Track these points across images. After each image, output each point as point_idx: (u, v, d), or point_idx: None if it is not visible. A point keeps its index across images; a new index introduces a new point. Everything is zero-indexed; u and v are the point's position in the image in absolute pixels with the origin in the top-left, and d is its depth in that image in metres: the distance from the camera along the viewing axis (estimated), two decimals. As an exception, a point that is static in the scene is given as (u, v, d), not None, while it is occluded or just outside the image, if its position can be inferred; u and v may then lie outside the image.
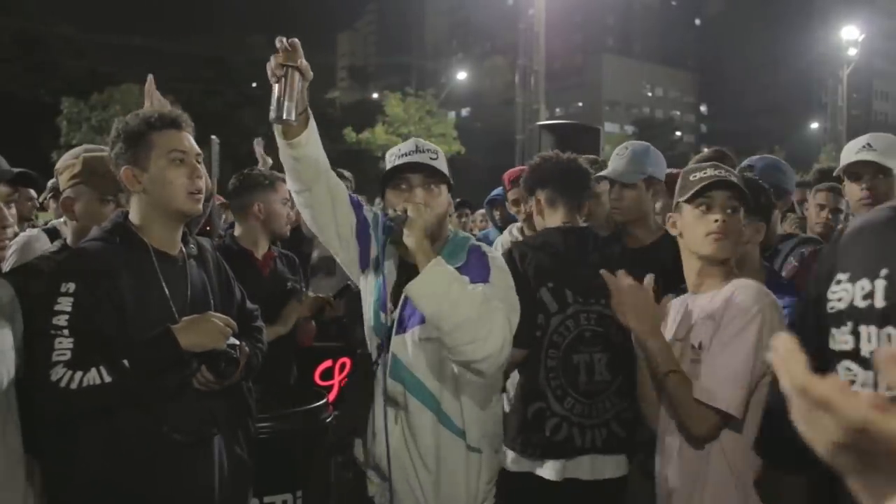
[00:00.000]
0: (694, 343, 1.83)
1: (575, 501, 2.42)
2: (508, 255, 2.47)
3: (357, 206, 2.15)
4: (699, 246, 1.86)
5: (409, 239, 1.90)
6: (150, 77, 2.45)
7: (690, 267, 1.93)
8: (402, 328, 2.09)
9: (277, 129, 1.93)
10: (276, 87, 1.86)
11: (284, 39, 1.83)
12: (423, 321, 1.98)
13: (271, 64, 1.84)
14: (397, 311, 2.10)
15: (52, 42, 36.35)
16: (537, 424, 2.40)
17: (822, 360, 1.36)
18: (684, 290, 2.00)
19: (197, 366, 1.86)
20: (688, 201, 1.86)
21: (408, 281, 1.94)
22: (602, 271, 1.98)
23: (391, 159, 2.13)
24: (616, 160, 2.82)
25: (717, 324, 1.76)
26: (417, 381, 2.07)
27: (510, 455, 2.41)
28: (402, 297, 2.04)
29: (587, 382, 2.43)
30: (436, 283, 1.84)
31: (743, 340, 1.70)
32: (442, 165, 2.11)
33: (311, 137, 1.97)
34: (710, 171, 1.88)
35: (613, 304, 1.93)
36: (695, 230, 1.86)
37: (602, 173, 2.81)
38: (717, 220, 1.82)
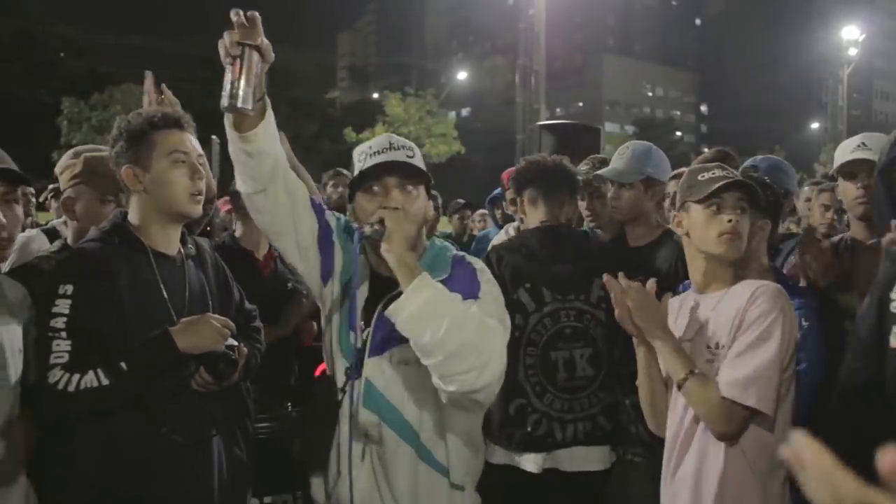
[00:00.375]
0: (710, 343, 1.82)
1: (557, 492, 2.45)
2: (487, 260, 2.49)
3: (318, 210, 1.89)
4: (710, 245, 1.86)
5: (390, 254, 1.64)
6: (150, 74, 2.41)
7: (696, 267, 1.92)
8: (376, 349, 1.81)
9: (228, 119, 1.67)
10: (229, 70, 1.58)
11: (242, 13, 1.55)
12: (402, 341, 1.68)
13: (225, 42, 1.58)
14: (370, 329, 1.82)
15: (51, 42, 36.46)
16: (520, 420, 2.45)
17: (881, 362, 1.50)
18: (682, 290, 1.99)
19: (195, 367, 1.85)
20: (699, 201, 1.87)
21: (381, 295, 1.76)
22: (605, 277, 1.90)
23: (361, 158, 1.85)
24: (616, 160, 2.84)
25: (737, 324, 1.76)
26: (395, 410, 1.80)
27: (493, 448, 2.44)
28: (376, 313, 1.79)
29: (567, 379, 2.47)
30: (426, 306, 1.58)
31: (770, 340, 1.72)
32: (419, 163, 1.86)
33: (268, 129, 1.70)
34: (718, 172, 1.89)
35: (616, 307, 1.91)
36: (706, 230, 1.86)
37: (600, 172, 2.83)
38: (730, 221, 1.83)
